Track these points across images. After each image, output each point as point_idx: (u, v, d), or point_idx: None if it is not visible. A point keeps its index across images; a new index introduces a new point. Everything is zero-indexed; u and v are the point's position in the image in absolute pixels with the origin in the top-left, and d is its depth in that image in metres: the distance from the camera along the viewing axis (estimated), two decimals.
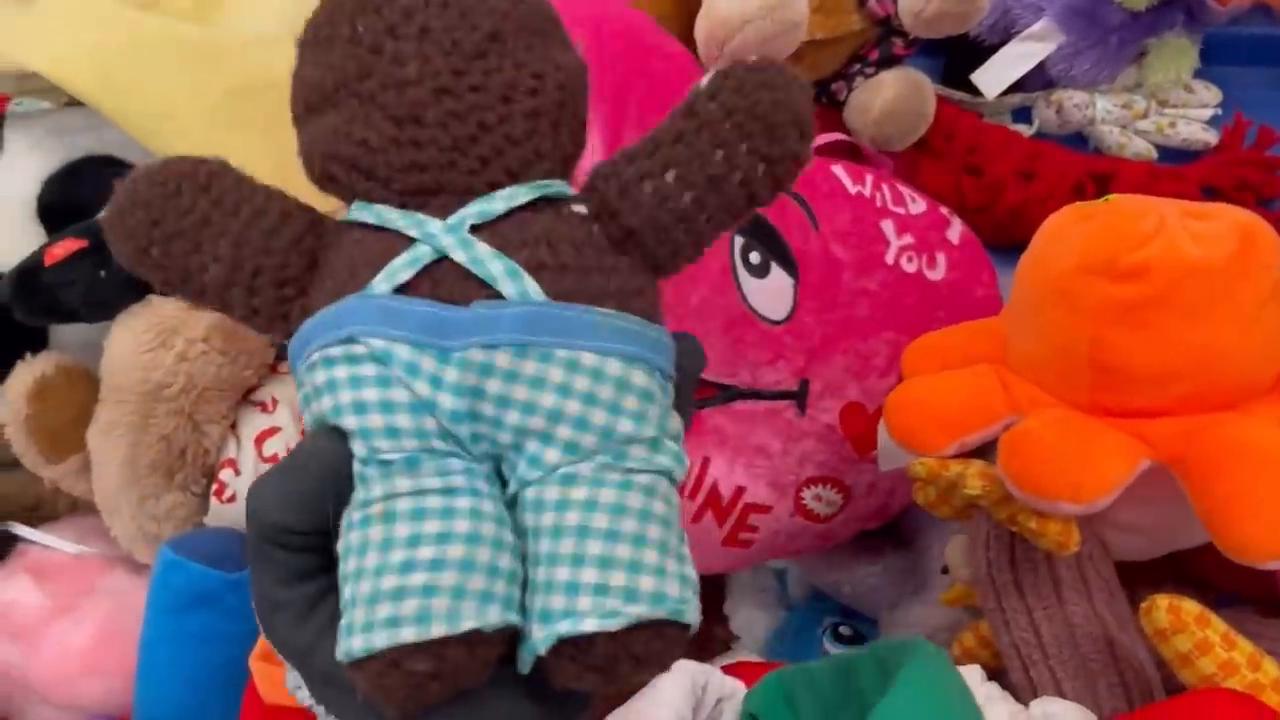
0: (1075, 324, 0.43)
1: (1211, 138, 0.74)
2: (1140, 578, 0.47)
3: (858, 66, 0.68)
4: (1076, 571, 0.43)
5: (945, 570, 0.53)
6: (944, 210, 0.59)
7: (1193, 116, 0.75)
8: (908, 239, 0.56)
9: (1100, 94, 0.75)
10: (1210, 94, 0.75)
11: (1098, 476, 0.40)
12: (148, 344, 0.52)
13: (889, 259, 0.55)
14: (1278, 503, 0.38)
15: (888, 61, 0.68)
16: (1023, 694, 0.43)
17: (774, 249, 0.53)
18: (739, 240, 0.53)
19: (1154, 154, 0.75)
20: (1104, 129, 0.75)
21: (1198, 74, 0.75)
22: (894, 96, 0.66)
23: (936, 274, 0.56)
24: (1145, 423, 0.42)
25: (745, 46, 0.57)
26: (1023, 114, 0.78)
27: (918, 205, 0.58)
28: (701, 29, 0.57)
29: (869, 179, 0.57)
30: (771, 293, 0.53)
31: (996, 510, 0.43)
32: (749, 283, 0.52)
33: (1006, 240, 0.67)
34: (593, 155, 0.50)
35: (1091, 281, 0.42)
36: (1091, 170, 0.71)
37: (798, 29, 0.58)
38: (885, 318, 0.55)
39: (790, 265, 0.53)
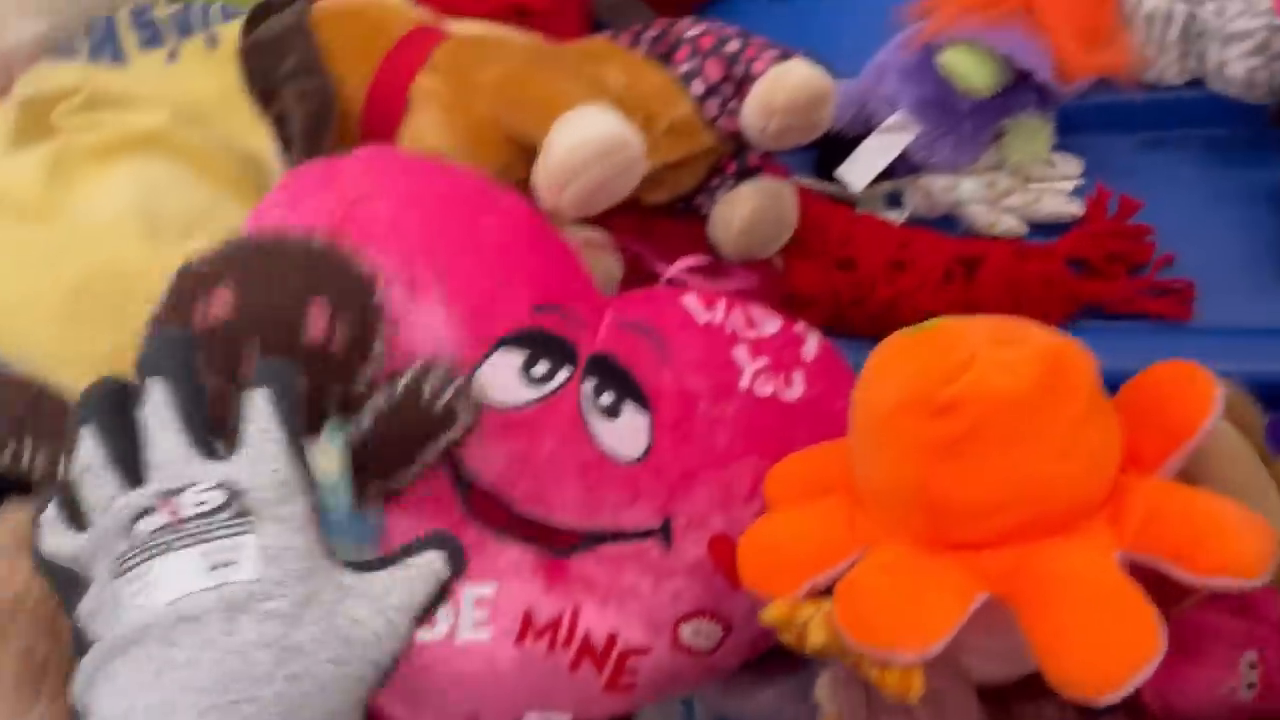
0: (901, 461, 0.43)
1: (1076, 209, 0.75)
2: (1013, 691, 0.47)
3: (718, 180, 0.69)
4: (932, 707, 0.43)
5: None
6: (798, 327, 0.59)
7: (1056, 190, 0.76)
8: (762, 362, 0.56)
9: (965, 176, 0.76)
10: (1071, 166, 0.77)
11: (928, 624, 0.40)
12: (2, 554, 0.51)
13: (743, 385, 0.55)
14: (1100, 638, 0.38)
15: (746, 173, 0.69)
16: None
17: (625, 388, 0.53)
18: (588, 384, 0.53)
19: (1024, 229, 0.76)
20: (973, 209, 0.76)
21: (1058, 146, 0.77)
22: (752, 209, 0.67)
23: (794, 393, 0.56)
24: (980, 555, 0.42)
25: (584, 192, 0.57)
26: (896, 198, 0.79)
27: (771, 325, 0.58)
28: (539, 177, 0.58)
29: (720, 305, 0.58)
30: (625, 433, 0.53)
31: (843, 657, 0.43)
32: (600, 425, 0.52)
33: (882, 331, 0.68)
34: (433, 313, 0.50)
35: (910, 419, 0.42)
36: (961, 255, 0.72)
37: (635, 166, 0.58)
38: (745, 444, 0.54)
39: (643, 402, 0.53)
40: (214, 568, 0.31)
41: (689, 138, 0.65)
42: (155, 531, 0.31)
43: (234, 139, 0.72)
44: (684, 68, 0.65)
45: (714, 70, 0.65)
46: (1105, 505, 0.43)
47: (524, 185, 0.59)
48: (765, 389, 0.56)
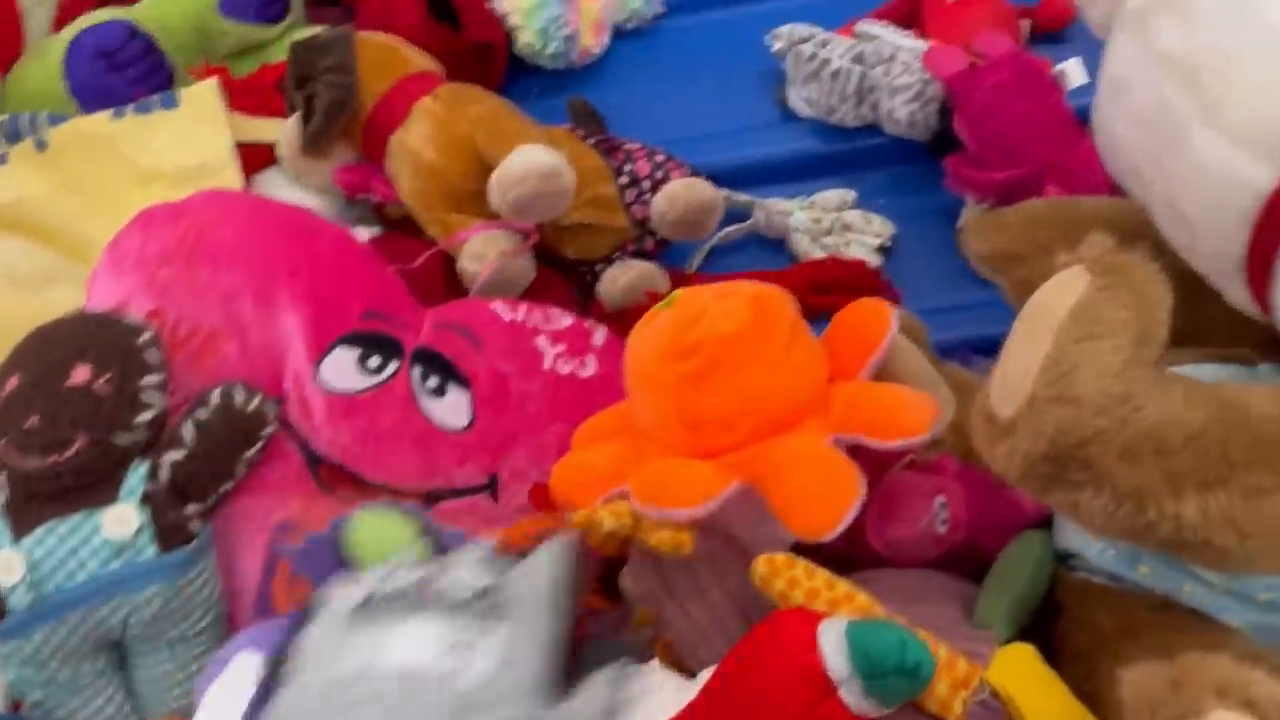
0: (664, 396, 0.53)
1: (875, 261, 0.84)
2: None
3: (618, 255, 0.82)
4: (709, 565, 0.53)
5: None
6: (588, 322, 0.70)
7: (865, 242, 0.86)
8: (560, 348, 0.66)
9: (801, 208, 0.87)
10: (884, 227, 0.86)
11: (693, 490, 0.50)
12: None
13: (546, 366, 0.65)
14: (819, 494, 0.49)
15: (641, 255, 0.83)
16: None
17: (447, 373, 0.62)
18: (416, 371, 0.62)
19: None
20: (796, 236, 0.86)
21: (875, 209, 0.87)
22: (630, 280, 0.80)
23: (588, 371, 0.67)
24: (733, 455, 0.52)
25: (522, 199, 0.72)
26: (745, 214, 0.88)
27: (566, 320, 0.69)
28: (494, 180, 0.72)
29: (522, 307, 0.68)
30: (451, 408, 0.61)
31: (632, 534, 0.52)
32: (429, 403, 0.61)
33: None
34: (280, 319, 0.58)
35: (664, 364, 0.53)
36: None
37: (564, 194, 0.74)
38: (552, 412, 0.64)
39: (463, 383, 0.62)
40: (453, 647, 0.29)
41: (606, 211, 0.80)
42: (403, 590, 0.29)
43: (67, 227, 0.78)
44: (620, 163, 0.82)
45: (642, 169, 0.81)
46: (818, 406, 0.55)
47: (478, 194, 0.73)
48: (565, 368, 0.66)
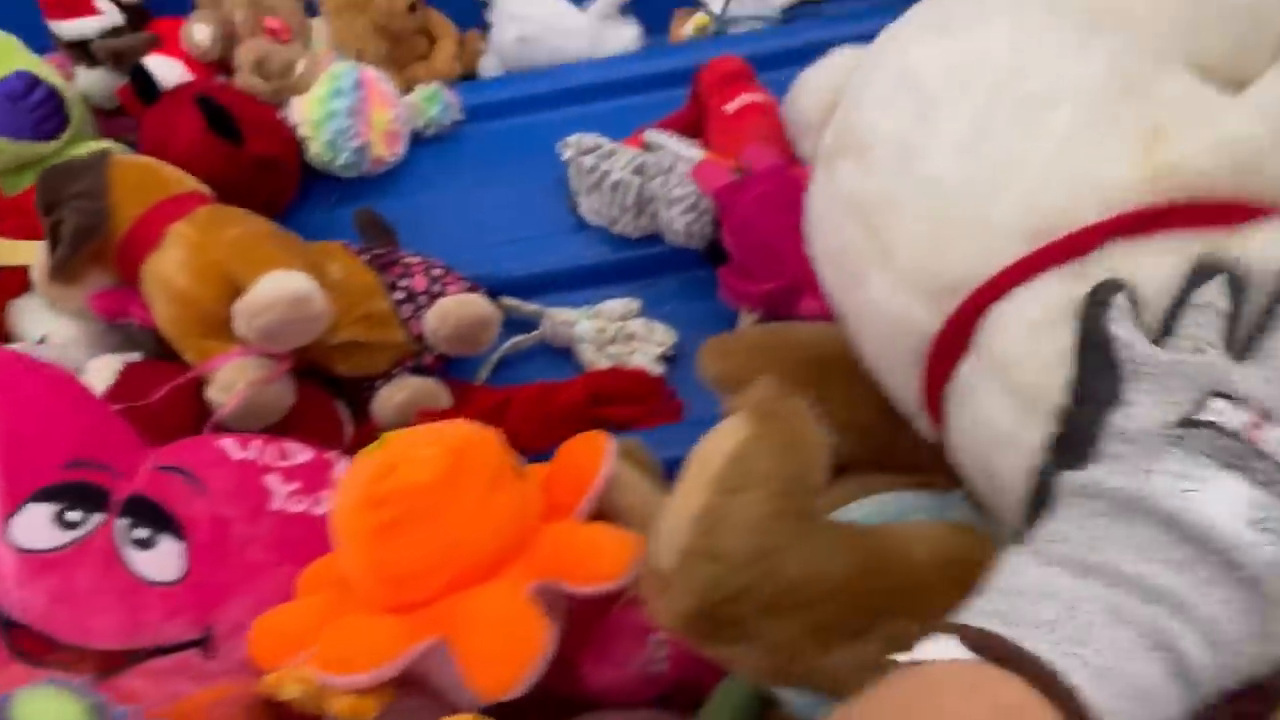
0: (355, 550, 0.52)
1: (658, 370, 0.84)
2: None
3: (398, 371, 0.81)
4: None
5: None
6: (330, 455, 0.68)
7: (647, 352, 0.86)
8: (294, 485, 0.64)
9: (587, 317, 0.86)
10: (666, 336, 0.86)
11: (371, 654, 0.48)
12: None
13: (275, 506, 0.63)
14: (498, 653, 0.48)
15: (422, 370, 0.82)
16: None
17: (158, 522, 0.60)
18: (122, 522, 0.59)
19: None
20: (582, 346, 0.85)
21: (661, 316, 0.88)
22: (406, 398, 0.79)
23: (323, 508, 0.65)
24: (428, 609, 0.51)
25: (269, 325, 0.70)
26: (533, 324, 0.88)
27: (304, 455, 0.67)
28: (239, 306, 0.71)
29: (255, 443, 0.66)
30: (160, 560, 0.59)
31: (318, 705, 0.50)
32: (135, 556, 0.58)
33: None
34: None
35: (356, 515, 0.52)
36: (495, 400, 0.81)
37: (315, 320, 0.72)
38: (279, 556, 0.62)
39: (177, 532, 0.60)
40: (1255, 522, 0.27)
41: (380, 327, 0.79)
42: (1229, 436, 0.28)
43: None
44: (396, 278, 0.81)
45: (419, 283, 0.81)
46: (525, 550, 0.54)
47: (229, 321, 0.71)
48: (297, 507, 0.64)
